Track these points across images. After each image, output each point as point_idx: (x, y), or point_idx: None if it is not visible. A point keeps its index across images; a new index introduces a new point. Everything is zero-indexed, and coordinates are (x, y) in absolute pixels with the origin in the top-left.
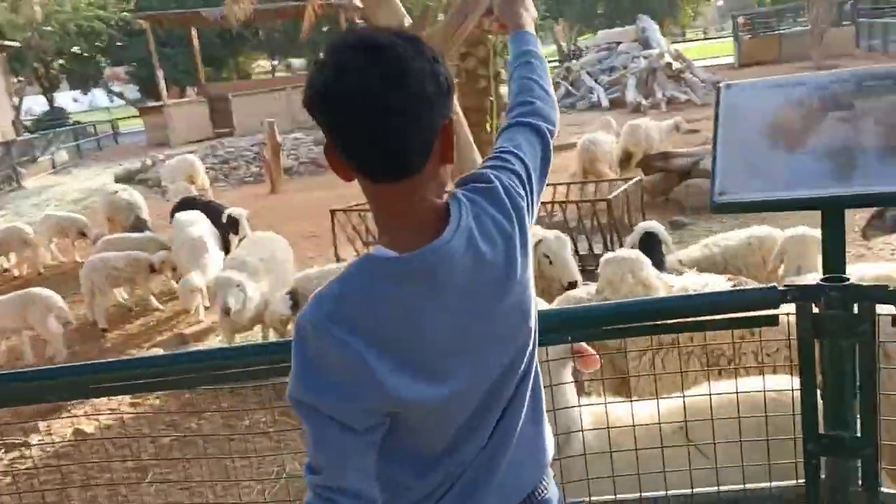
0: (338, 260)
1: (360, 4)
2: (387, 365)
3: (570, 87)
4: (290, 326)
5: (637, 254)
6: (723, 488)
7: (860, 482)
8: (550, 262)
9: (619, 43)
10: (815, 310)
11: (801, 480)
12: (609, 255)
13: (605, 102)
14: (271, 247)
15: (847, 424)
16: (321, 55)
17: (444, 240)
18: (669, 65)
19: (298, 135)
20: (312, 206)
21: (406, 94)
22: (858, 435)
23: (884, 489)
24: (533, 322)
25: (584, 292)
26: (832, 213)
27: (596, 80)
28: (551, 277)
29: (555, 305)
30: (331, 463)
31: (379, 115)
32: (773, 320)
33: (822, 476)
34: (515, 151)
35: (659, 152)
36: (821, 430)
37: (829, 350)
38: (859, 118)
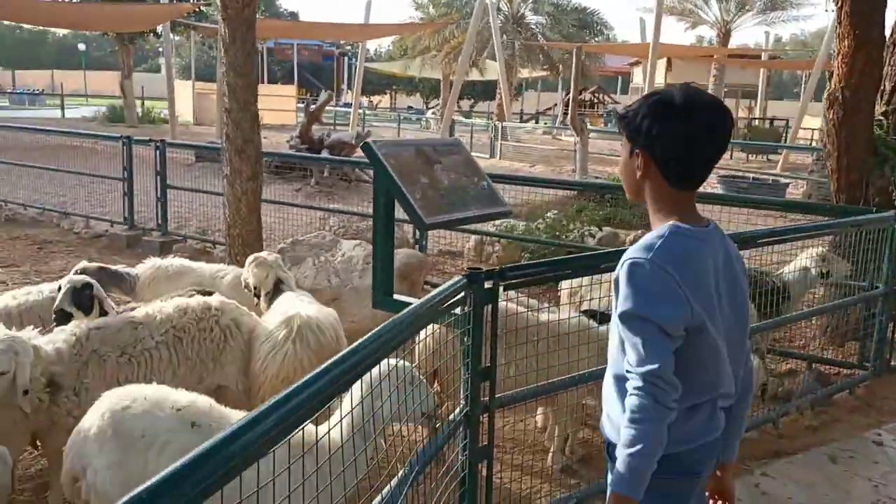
0: None
1: None
2: (690, 291)
3: None
4: None
5: None
6: None
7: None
8: None
9: None
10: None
11: None
12: None
13: None
14: None
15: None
16: (681, 104)
17: (712, 227)
18: None
19: None
20: None
21: (729, 138)
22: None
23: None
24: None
25: None
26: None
27: None
28: None
29: None
30: (654, 358)
31: (720, 150)
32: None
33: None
34: None
35: None
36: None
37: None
38: (446, 169)
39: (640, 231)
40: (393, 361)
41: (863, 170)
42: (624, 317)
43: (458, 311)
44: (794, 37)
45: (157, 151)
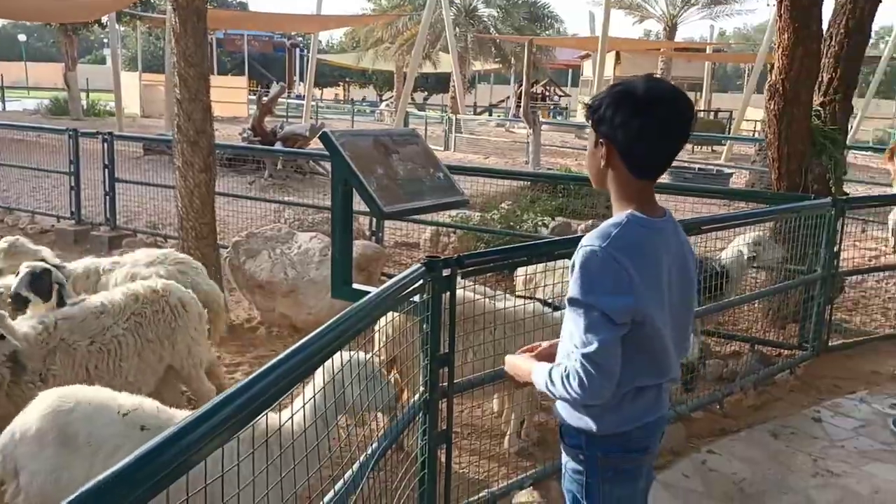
0: None
1: None
2: (641, 281)
3: None
4: None
5: None
6: None
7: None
8: None
9: None
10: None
11: None
12: None
13: None
14: None
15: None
16: (643, 95)
17: (667, 217)
18: None
19: None
20: None
21: (690, 129)
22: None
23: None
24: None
25: None
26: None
27: None
28: None
29: None
30: (593, 342)
31: (681, 141)
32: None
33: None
34: None
35: None
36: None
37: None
38: (403, 159)
39: (590, 221)
40: (351, 353)
41: (801, 159)
42: (572, 301)
43: (416, 298)
44: (737, 31)
45: (105, 144)
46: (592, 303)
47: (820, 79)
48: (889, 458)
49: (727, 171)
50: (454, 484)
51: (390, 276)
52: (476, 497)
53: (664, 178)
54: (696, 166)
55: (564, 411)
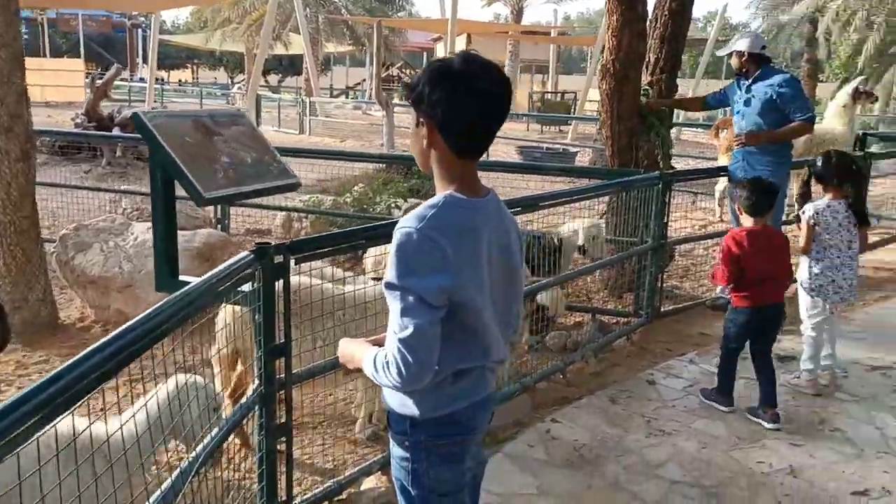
0: None
1: None
2: (458, 261)
3: None
4: None
5: None
6: None
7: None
8: None
9: None
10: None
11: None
12: None
13: None
14: None
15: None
16: (458, 71)
17: (490, 197)
18: None
19: None
20: None
21: (508, 106)
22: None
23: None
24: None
25: None
26: None
27: None
28: None
29: None
30: (409, 326)
31: (499, 117)
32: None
33: None
34: None
35: None
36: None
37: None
38: (228, 141)
39: None
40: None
41: (632, 136)
42: (388, 285)
43: (247, 287)
44: (580, 15)
45: None
46: (408, 286)
47: (647, 59)
48: (714, 415)
49: (573, 150)
50: (301, 476)
51: None
52: (322, 487)
53: (514, 158)
54: (545, 146)
55: (390, 398)
